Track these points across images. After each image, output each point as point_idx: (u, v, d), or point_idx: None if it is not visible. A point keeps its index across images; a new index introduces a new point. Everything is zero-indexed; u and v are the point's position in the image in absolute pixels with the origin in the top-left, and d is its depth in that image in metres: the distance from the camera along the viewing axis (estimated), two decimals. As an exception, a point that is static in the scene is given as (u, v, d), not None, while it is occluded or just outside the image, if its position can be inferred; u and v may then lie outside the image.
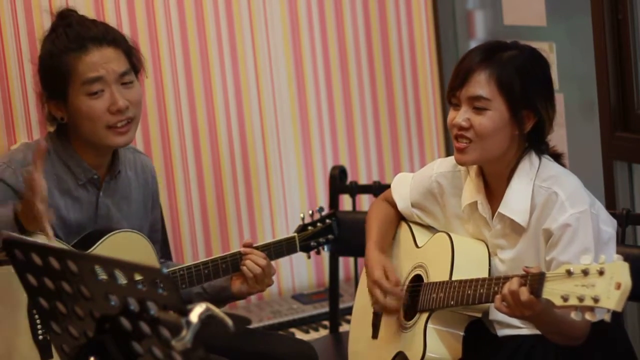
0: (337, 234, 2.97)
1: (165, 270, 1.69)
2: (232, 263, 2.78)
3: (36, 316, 2.60)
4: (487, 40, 2.63)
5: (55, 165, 2.72)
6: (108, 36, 2.71)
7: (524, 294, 2.21)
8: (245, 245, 2.82)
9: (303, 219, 2.94)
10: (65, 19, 2.75)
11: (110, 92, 2.68)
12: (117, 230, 2.73)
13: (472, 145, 2.47)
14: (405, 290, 2.66)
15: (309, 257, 2.98)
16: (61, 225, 2.70)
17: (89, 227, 2.74)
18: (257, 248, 2.81)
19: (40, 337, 2.61)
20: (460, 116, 2.47)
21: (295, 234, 2.90)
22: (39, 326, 2.61)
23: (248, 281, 2.77)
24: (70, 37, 2.70)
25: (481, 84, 2.45)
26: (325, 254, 3.03)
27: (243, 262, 2.77)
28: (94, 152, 2.75)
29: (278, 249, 2.85)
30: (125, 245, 2.71)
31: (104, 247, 2.68)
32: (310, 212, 2.96)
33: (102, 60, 2.68)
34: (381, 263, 2.65)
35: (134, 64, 2.77)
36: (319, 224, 2.94)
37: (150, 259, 2.73)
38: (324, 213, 2.98)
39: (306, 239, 2.92)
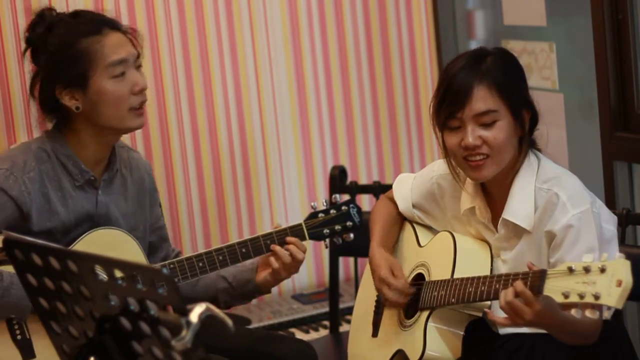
0: (358, 221, 2.83)
1: (165, 270, 1.69)
2: (254, 247, 2.74)
3: (12, 316, 2.60)
4: (458, 55, 2.57)
5: (55, 167, 2.71)
6: (115, 22, 2.73)
7: (524, 293, 2.21)
8: (275, 228, 2.78)
9: (314, 207, 2.83)
10: (62, 13, 2.74)
11: (132, 73, 2.69)
12: (97, 228, 2.71)
13: (490, 160, 2.44)
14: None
15: (326, 246, 2.86)
16: (62, 229, 2.69)
17: (88, 226, 2.74)
18: (260, 237, 2.76)
19: (19, 337, 2.60)
20: (470, 135, 2.42)
21: (302, 221, 2.81)
22: (15, 327, 2.60)
23: (275, 269, 2.72)
24: (85, 21, 2.70)
25: (485, 98, 2.42)
26: (349, 240, 2.88)
27: (286, 247, 2.72)
28: (94, 148, 2.73)
29: (283, 238, 2.77)
30: (106, 243, 2.69)
31: (81, 246, 2.66)
32: (324, 200, 2.86)
33: (122, 42, 2.70)
34: (387, 261, 2.65)
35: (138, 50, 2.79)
36: (332, 211, 2.82)
37: (133, 255, 2.71)
38: (339, 201, 2.85)
39: (316, 226, 2.81)
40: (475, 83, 2.42)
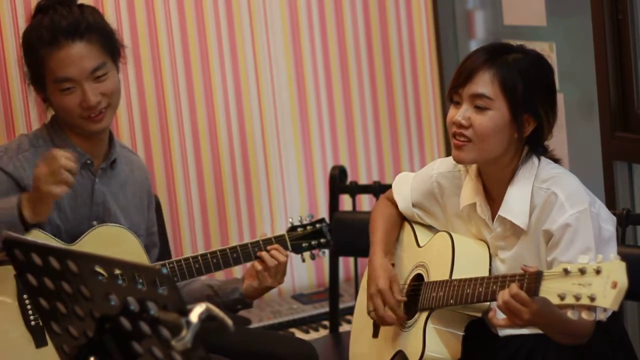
0: (329, 238, 2.97)
1: (165, 270, 1.69)
2: (243, 253, 2.81)
3: (27, 302, 2.60)
4: (493, 42, 2.62)
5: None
6: (80, 26, 2.68)
7: (519, 295, 2.21)
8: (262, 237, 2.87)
9: (291, 222, 2.96)
10: (46, 5, 2.74)
11: (82, 89, 2.67)
12: (100, 225, 2.73)
13: (471, 145, 2.47)
14: (406, 290, 2.66)
15: (303, 260, 2.96)
16: (55, 209, 2.70)
17: (85, 213, 2.75)
18: (249, 244, 2.82)
19: (33, 322, 2.60)
20: (461, 114, 2.47)
21: (285, 232, 2.91)
22: (30, 312, 2.60)
23: (260, 274, 2.78)
24: (45, 27, 2.68)
25: (485, 83, 2.45)
26: (321, 256, 3.01)
27: (270, 253, 2.80)
28: (85, 139, 2.76)
29: (269, 246, 2.85)
30: (109, 240, 2.71)
31: (86, 242, 2.68)
32: (299, 217, 2.98)
33: (72, 59, 2.66)
34: (388, 273, 2.64)
35: (112, 51, 2.75)
36: (308, 227, 2.95)
37: (136, 254, 2.72)
38: (313, 219, 2.99)
39: (297, 238, 2.92)
40: (484, 67, 2.46)
